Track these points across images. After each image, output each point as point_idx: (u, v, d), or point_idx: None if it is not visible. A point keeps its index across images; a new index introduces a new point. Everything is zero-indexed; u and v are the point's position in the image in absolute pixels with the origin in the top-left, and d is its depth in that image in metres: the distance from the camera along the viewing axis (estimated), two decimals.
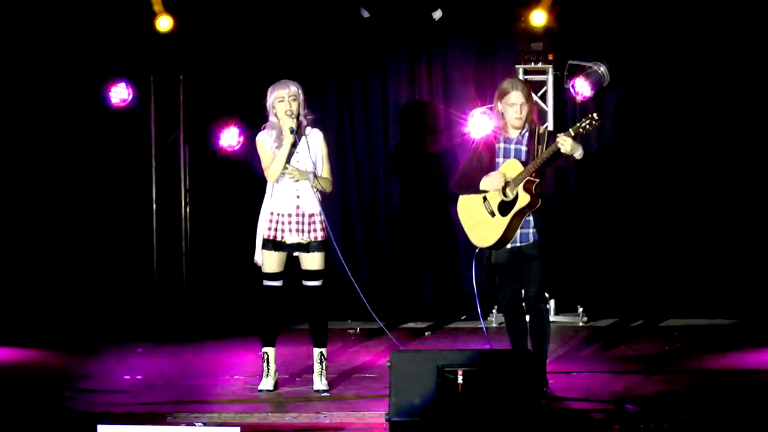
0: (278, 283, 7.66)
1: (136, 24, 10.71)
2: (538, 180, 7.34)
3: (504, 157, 7.49)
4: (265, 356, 7.68)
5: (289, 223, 7.57)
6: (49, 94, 10.84)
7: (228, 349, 9.52)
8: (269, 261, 7.62)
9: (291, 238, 7.58)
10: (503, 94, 7.47)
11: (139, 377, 8.25)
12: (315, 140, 7.63)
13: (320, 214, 7.61)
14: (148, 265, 11.03)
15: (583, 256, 10.87)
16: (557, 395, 7.29)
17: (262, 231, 7.63)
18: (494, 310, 10.57)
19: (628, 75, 10.81)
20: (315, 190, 7.59)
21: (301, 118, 7.57)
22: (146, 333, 10.33)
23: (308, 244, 7.59)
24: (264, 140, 7.63)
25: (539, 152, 7.33)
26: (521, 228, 7.43)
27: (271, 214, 7.60)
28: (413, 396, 6.27)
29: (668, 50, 10.75)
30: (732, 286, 10.66)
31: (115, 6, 10.66)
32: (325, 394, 7.54)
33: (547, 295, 10.36)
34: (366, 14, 10.82)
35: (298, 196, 7.59)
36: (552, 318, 10.55)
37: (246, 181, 10.50)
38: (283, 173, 7.54)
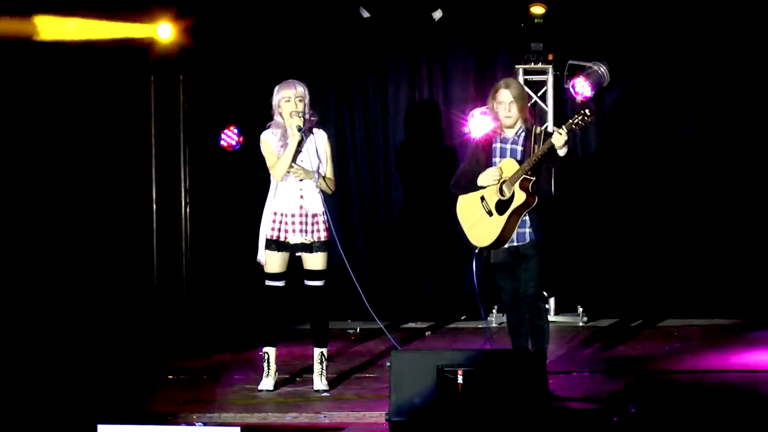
0: (280, 284, 7.66)
1: (137, 23, 10.72)
2: (534, 178, 7.37)
3: (500, 156, 7.52)
4: (266, 356, 7.68)
5: (293, 223, 7.57)
6: (49, 94, 10.83)
7: (228, 348, 9.52)
8: (272, 261, 7.61)
9: (294, 239, 7.58)
10: (494, 93, 7.54)
11: (139, 377, 8.24)
12: (320, 140, 7.64)
13: (324, 214, 7.61)
14: (148, 266, 11.03)
15: (583, 256, 10.87)
16: (557, 395, 7.28)
17: (266, 231, 7.62)
18: (494, 310, 10.57)
19: (628, 75, 10.81)
20: (319, 190, 7.59)
21: (307, 117, 7.57)
22: (146, 333, 10.33)
23: (311, 244, 7.59)
24: (269, 139, 7.63)
25: (535, 151, 7.36)
26: (518, 227, 7.45)
27: (275, 214, 7.60)
28: (413, 396, 6.27)
29: (668, 50, 10.74)
30: (732, 286, 10.66)
31: (116, 6, 10.67)
32: (325, 394, 7.54)
33: (546, 294, 10.36)
34: (366, 14, 10.82)
35: (301, 196, 7.59)
36: (552, 318, 10.55)
37: (246, 181, 10.50)
38: (288, 172, 7.55)
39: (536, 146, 7.38)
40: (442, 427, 6.22)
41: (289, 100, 7.55)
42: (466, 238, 7.64)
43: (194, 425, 6.23)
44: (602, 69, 10.55)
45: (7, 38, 10.47)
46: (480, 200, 7.52)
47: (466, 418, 6.21)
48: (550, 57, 10.71)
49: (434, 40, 11.08)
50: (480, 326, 10.40)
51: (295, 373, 8.18)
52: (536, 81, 10.82)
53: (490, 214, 7.47)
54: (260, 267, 7.69)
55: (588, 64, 10.60)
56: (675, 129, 10.87)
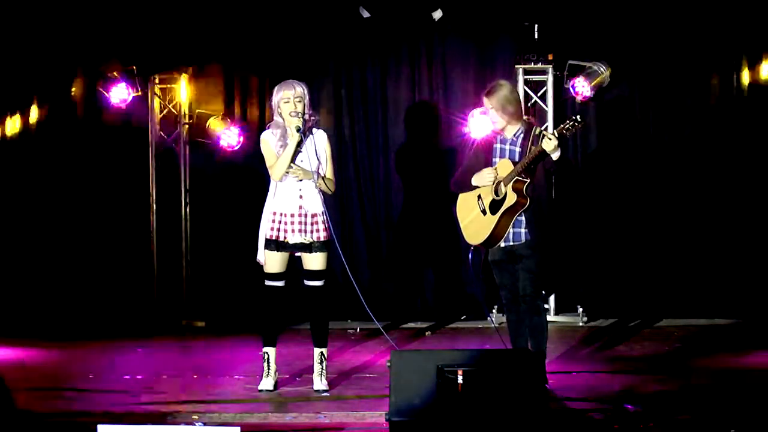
0: (280, 284, 7.65)
1: (137, 24, 10.72)
2: (527, 180, 7.39)
3: (500, 156, 7.57)
4: (266, 356, 7.68)
5: (292, 223, 7.57)
6: (49, 94, 10.84)
7: (228, 348, 9.52)
8: (271, 261, 7.61)
9: (294, 239, 7.57)
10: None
11: (139, 377, 8.25)
12: (320, 141, 7.64)
13: (323, 214, 7.60)
14: (149, 266, 11.03)
15: (583, 256, 10.88)
16: (557, 395, 7.29)
17: (265, 231, 7.62)
18: (494, 310, 10.57)
19: (628, 75, 10.82)
20: (318, 190, 7.59)
21: (306, 117, 7.57)
22: (146, 333, 10.33)
23: (311, 244, 7.59)
24: (269, 139, 7.63)
25: (529, 152, 7.39)
26: (513, 227, 7.48)
27: (274, 214, 7.60)
28: (413, 396, 6.27)
29: (668, 50, 10.75)
30: (732, 286, 10.67)
31: (117, 6, 10.67)
32: (325, 394, 7.54)
33: (545, 293, 10.37)
34: (366, 14, 10.82)
35: (301, 196, 7.59)
36: (552, 318, 10.56)
37: (246, 181, 10.51)
38: (288, 172, 7.54)
39: (533, 147, 7.40)
40: (442, 427, 6.22)
41: (288, 100, 7.55)
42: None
43: (194, 425, 6.23)
44: (602, 69, 10.55)
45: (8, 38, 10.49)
46: (477, 198, 7.57)
47: (466, 418, 6.21)
48: (550, 57, 10.72)
49: (434, 40, 11.08)
50: (480, 326, 10.41)
51: (295, 373, 8.18)
52: (536, 81, 10.83)
53: (484, 212, 7.52)
54: (260, 267, 7.69)
55: (588, 64, 10.60)
56: (675, 129, 10.87)
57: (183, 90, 11.04)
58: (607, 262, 10.90)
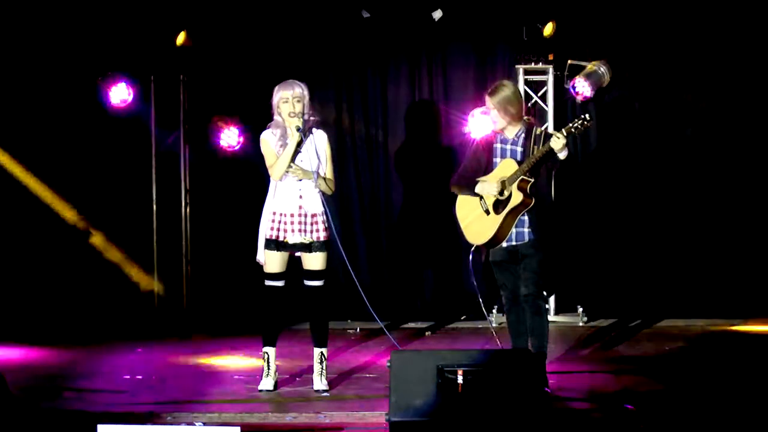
0: (280, 284, 7.65)
1: (138, 24, 10.71)
2: (532, 180, 7.39)
3: (500, 156, 7.55)
4: (266, 356, 7.68)
5: (292, 223, 7.57)
6: (49, 94, 10.84)
7: (228, 348, 9.52)
8: (271, 261, 7.61)
9: (293, 238, 7.57)
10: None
11: (139, 377, 8.25)
12: (320, 141, 7.64)
13: (323, 214, 7.60)
14: (149, 266, 11.03)
15: (583, 256, 10.87)
16: (557, 395, 7.29)
17: (265, 231, 7.62)
18: (494, 310, 10.57)
19: (628, 75, 10.81)
20: (318, 190, 7.59)
21: (306, 117, 7.57)
22: (146, 333, 10.33)
23: (311, 244, 7.59)
24: (269, 139, 7.63)
25: (534, 152, 7.37)
26: (516, 227, 7.48)
27: (274, 213, 7.60)
28: (413, 396, 6.27)
29: (668, 50, 10.75)
30: (732, 286, 10.66)
31: (117, 6, 10.66)
32: (325, 394, 7.54)
33: (545, 293, 10.36)
34: (366, 15, 10.81)
35: (300, 196, 7.59)
36: (552, 318, 10.56)
37: (246, 181, 10.50)
38: (287, 172, 7.54)
39: (535, 147, 7.41)
40: (442, 427, 6.22)
41: (287, 100, 7.55)
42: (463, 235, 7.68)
43: (194, 425, 6.23)
44: (602, 69, 10.55)
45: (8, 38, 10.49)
46: (479, 198, 7.55)
47: (466, 418, 6.21)
48: (550, 57, 10.72)
49: (434, 39, 11.08)
50: (480, 326, 10.40)
51: (295, 373, 8.18)
52: (536, 81, 10.82)
53: (487, 212, 7.51)
54: (260, 267, 7.69)
55: (588, 64, 10.60)
56: (675, 129, 10.87)
57: (183, 90, 11.03)
58: (607, 262, 10.90)
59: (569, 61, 10.67)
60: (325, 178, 7.62)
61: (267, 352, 7.68)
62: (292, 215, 7.57)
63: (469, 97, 10.86)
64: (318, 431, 6.65)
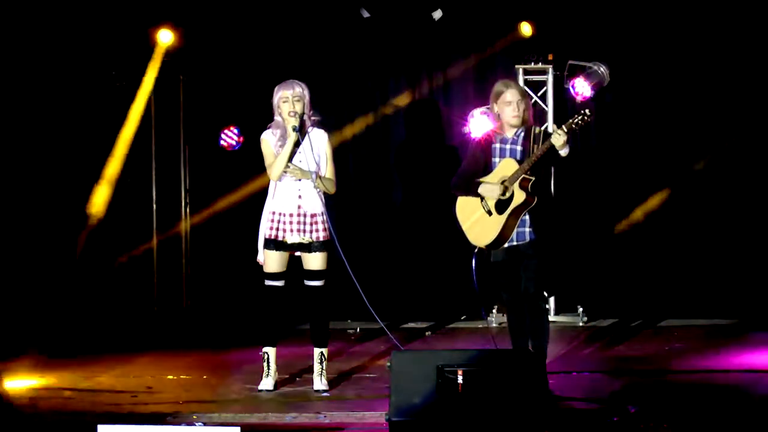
0: (280, 283, 7.65)
1: (137, 24, 10.72)
2: (533, 178, 7.38)
3: (500, 156, 7.54)
4: (266, 356, 7.68)
5: (291, 222, 7.57)
6: (49, 94, 10.84)
7: (228, 349, 9.52)
8: (271, 261, 7.61)
9: (292, 238, 7.57)
10: (498, 95, 7.56)
11: (139, 377, 8.25)
12: (319, 140, 7.63)
13: (323, 214, 7.60)
14: (148, 265, 11.03)
15: (583, 256, 10.87)
16: (557, 395, 7.29)
17: (264, 230, 7.62)
18: (494, 310, 10.57)
19: (628, 75, 10.82)
20: (318, 190, 7.58)
21: (305, 118, 7.56)
22: (146, 333, 10.33)
23: (310, 244, 7.59)
24: (268, 139, 7.63)
25: (534, 151, 7.37)
26: (518, 227, 7.46)
27: (273, 213, 7.60)
28: (413, 396, 6.27)
29: (668, 50, 10.75)
30: (732, 286, 10.66)
31: (117, 6, 10.67)
32: (325, 394, 7.54)
33: (546, 294, 10.36)
34: (366, 14, 10.82)
35: (299, 196, 7.59)
36: (552, 318, 10.56)
37: (246, 181, 10.50)
38: (285, 172, 7.54)
39: (535, 146, 7.40)
40: (442, 427, 6.22)
41: (287, 100, 7.55)
42: (466, 237, 7.65)
43: (194, 425, 6.23)
44: (602, 69, 10.55)
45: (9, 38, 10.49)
46: (480, 199, 7.53)
47: (466, 418, 6.21)
48: (550, 57, 10.73)
49: (434, 39, 11.08)
50: (480, 326, 10.40)
51: (295, 373, 8.18)
52: (536, 81, 10.82)
53: (489, 213, 7.49)
54: (260, 267, 7.69)
55: (588, 64, 10.60)
56: (675, 129, 10.87)
57: (183, 90, 11.04)
58: (607, 262, 10.89)
59: (569, 61, 10.68)
60: (324, 178, 7.61)
61: (267, 352, 7.69)
62: (291, 215, 7.57)
63: (469, 98, 10.86)
64: (318, 431, 6.65)
